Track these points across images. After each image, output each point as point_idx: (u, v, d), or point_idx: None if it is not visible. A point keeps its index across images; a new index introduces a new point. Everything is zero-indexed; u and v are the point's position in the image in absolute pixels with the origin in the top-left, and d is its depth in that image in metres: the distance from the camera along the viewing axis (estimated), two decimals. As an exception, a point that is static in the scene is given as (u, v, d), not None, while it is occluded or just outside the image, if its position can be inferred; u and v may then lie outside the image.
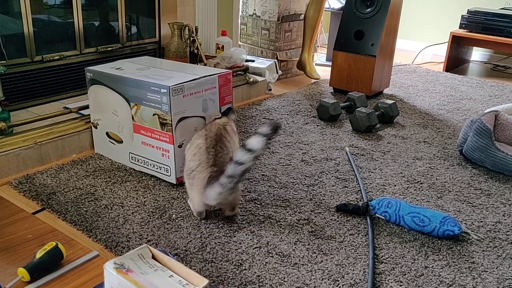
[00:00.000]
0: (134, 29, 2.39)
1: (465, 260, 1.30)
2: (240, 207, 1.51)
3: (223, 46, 2.73)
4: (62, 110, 1.88)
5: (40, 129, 1.74)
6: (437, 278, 1.22)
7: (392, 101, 2.34)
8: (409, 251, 1.33)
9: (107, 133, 1.77)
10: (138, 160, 1.69)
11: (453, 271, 1.26)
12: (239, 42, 3.24)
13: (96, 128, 1.80)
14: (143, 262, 0.94)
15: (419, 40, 4.23)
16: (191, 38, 2.41)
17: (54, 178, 1.62)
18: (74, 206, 1.47)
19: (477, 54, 4.03)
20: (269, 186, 1.66)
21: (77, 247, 1.24)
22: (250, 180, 1.68)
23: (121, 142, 1.72)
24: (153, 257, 0.97)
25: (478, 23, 3.43)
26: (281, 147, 1.99)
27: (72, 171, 1.68)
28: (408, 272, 1.24)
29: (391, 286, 1.19)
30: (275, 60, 2.89)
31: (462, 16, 3.51)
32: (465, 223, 1.48)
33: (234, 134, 1.51)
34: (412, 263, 1.28)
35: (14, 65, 1.90)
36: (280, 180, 1.70)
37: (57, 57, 2.03)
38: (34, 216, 1.39)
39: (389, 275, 1.23)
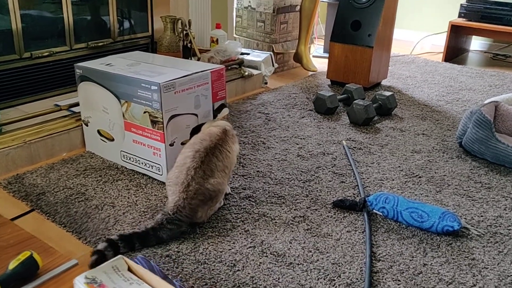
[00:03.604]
0: (126, 24, 2.35)
1: (465, 257, 1.27)
2: (234, 205, 1.47)
3: (217, 39, 2.69)
4: (52, 108, 1.84)
5: (30, 127, 1.70)
6: (436, 276, 1.19)
7: (390, 93, 2.29)
8: (407, 248, 1.30)
9: (98, 131, 1.73)
10: (129, 159, 1.65)
11: (453, 268, 1.22)
12: (234, 35, 3.19)
13: (87, 125, 1.76)
14: (118, 275, 0.89)
15: (418, 30, 4.17)
16: (184, 32, 2.36)
17: (44, 178, 1.59)
18: (63, 206, 1.43)
19: (477, 43, 3.97)
20: (264, 182, 1.62)
21: (55, 255, 1.17)
22: (244, 177, 1.65)
23: (113, 140, 1.69)
24: (129, 269, 0.93)
25: (478, 12, 3.37)
26: (277, 142, 1.95)
27: (63, 170, 1.65)
28: (406, 270, 1.21)
29: (388, 285, 1.16)
30: (271, 52, 2.84)
31: (461, 5, 3.45)
32: (464, 218, 1.45)
33: (232, 142, 1.45)
34: (410, 260, 1.25)
35: (2, 62, 1.86)
36: (275, 176, 1.67)
37: (46, 54, 1.99)
38: (12, 222, 1.33)
39: (386, 274, 1.20)
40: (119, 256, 0.93)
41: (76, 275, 0.98)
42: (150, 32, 2.45)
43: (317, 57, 3.47)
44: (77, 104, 1.83)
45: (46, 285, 1.07)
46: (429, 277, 1.19)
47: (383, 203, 1.42)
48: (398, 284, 1.16)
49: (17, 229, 1.29)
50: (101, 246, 1.18)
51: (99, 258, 1.16)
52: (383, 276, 1.19)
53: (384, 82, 2.84)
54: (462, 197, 1.57)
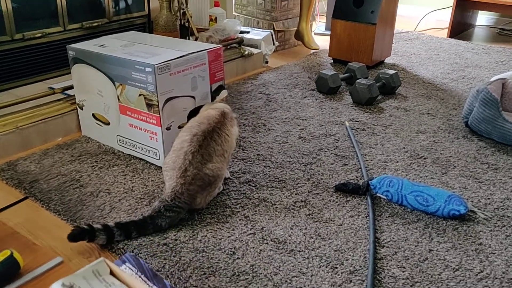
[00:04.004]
0: (121, 3, 2.27)
1: (472, 242, 1.23)
2: (234, 190, 1.43)
3: (216, 17, 2.61)
4: (45, 91, 1.79)
5: (22, 112, 1.66)
6: (442, 263, 1.15)
7: (394, 71, 2.23)
8: (412, 233, 1.26)
9: (93, 115, 1.68)
10: (126, 143, 1.60)
11: (459, 254, 1.18)
12: (234, 13, 3.11)
13: (81, 109, 1.71)
14: (98, 281, 0.84)
15: (422, 5, 4.07)
16: (181, 10, 2.29)
17: (37, 164, 1.54)
18: (58, 194, 1.39)
19: (483, 18, 3.87)
20: (264, 166, 1.57)
21: (39, 252, 1.12)
22: (244, 160, 1.60)
23: (108, 124, 1.64)
24: (111, 273, 0.87)
25: (484, -15, 3.27)
26: (278, 124, 1.89)
27: (57, 156, 1.60)
28: (411, 257, 1.17)
29: (393, 273, 1.12)
30: (272, 30, 2.76)
31: (467, -22, 3.35)
32: (471, 201, 1.40)
33: (231, 125, 1.40)
34: (415, 246, 1.21)
35: (-8, 45, 1.80)
36: (276, 159, 1.62)
37: (39, 35, 1.92)
38: None
39: (391, 260, 1.16)
40: (101, 258, 0.88)
41: (61, 274, 0.91)
42: (146, 11, 2.38)
43: (319, 34, 3.39)
44: (71, 87, 1.78)
45: (27, 286, 1.01)
46: (435, 264, 1.15)
47: (387, 186, 1.38)
48: (403, 271, 1.12)
49: None
50: (93, 225, 1.15)
51: (84, 233, 1.13)
52: (387, 263, 1.15)
53: (387, 60, 2.76)
54: (469, 179, 1.52)
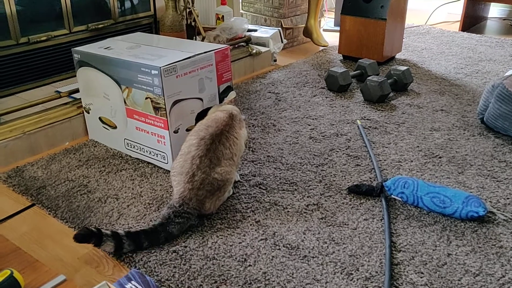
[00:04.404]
0: (127, 3, 2.24)
1: (492, 245, 1.18)
2: (244, 193, 1.40)
3: (223, 16, 2.57)
4: (51, 95, 1.77)
5: (29, 117, 1.63)
6: (461, 267, 1.11)
7: (406, 67, 2.18)
8: (429, 237, 1.21)
9: (100, 118, 1.65)
10: (134, 147, 1.58)
11: (479, 258, 1.14)
12: (241, 11, 3.07)
13: (88, 113, 1.69)
14: None
15: (432, -2, 3.99)
16: (187, 10, 2.26)
17: (45, 170, 1.52)
18: (65, 200, 1.37)
19: (495, 10, 3.79)
20: (275, 168, 1.54)
21: (41, 270, 1.08)
22: (254, 162, 1.57)
23: (115, 127, 1.61)
24: None
25: (496, -23, 3.19)
26: (288, 124, 1.86)
27: (64, 161, 1.58)
28: (429, 261, 1.13)
29: (411, 278, 1.08)
30: (280, 28, 2.72)
31: (478, -31, 3.28)
32: (489, 201, 1.36)
33: (240, 128, 1.37)
34: (433, 250, 1.17)
35: (-2, 49, 1.78)
36: (286, 161, 1.58)
37: (44, 38, 1.90)
38: None
39: (408, 266, 1.12)
40: (103, 282, 0.85)
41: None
42: (152, 11, 2.35)
43: (328, 31, 3.34)
44: (78, 91, 1.76)
45: (28, 308, 0.96)
46: (455, 269, 1.10)
47: (401, 188, 1.34)
48: (421, 277, 1.08)
49: (1, 240, 1.20)
50: (103, 230, 1.12)
51: (90, 235, 1.09)
52: (404, 268, 1.11)
53: (398, 56, 2.71)
54: (486, 178, 1.47)
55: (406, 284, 1.06)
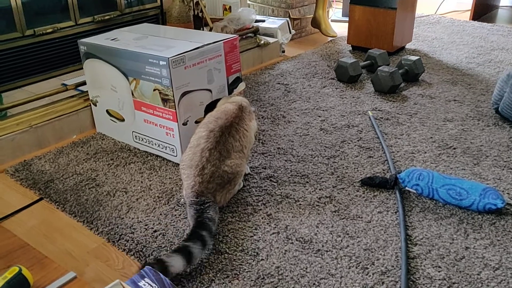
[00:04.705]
0: (133, -6, 2.21)
1: (511, 238, 1.15)
2: (255, 186, 1.37)
3: (230, 7, 2.54)
4: (58, 88, 1.74)
5: (35, 110, 1.61)
6: (480, 261, 1.08)
7: (417, 57, 2.13)
8: (446, 230, 1.18)
9: (107, 111, 1.63)
10: (142, 140, 1.55)
11: (498, 251, 1.11)
12: (248, 1, 3.02)
13: (95, 105, 1.67)
14: None
15: (442, -13, 3.92)
16: (194, 0, 2.22)
17: (52, 164, 1.50)
18: (73, 194, 1.35)
19: (506, -1, 3.72)
20: (285, 160, 1.51)
21: (50, 267, 1.05)
22: (264, 155, 1.54)
23: (123, 120, 1.59)
24: None
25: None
26: (298, 115, 1.82)
27: (72, 154, 1.56)
28: (446, 255, 1.10)
29: (428, 273, 1.05)
30: (287, 18, 2.68)
31: (489, -43, 3.21)
32: (507, 193, 1.32)
33: (250, 119, 1.34)
34: (450, 243, 1.13)
35: (3, 41, 1.75)
36: (297, 153, 1.55)
37: (50, 30, 1.87)
38: (3, 227, 1.21)
39: (425, 259, 1.09)
40: (116, 281, 0.82)
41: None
42: (159, 3, 2.31)
43: (336, 21, 3.29)
44: (85, 83, 1.73)
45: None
46: (473, 262, 1.07)
47: (416, 180, 1.30)
48: (439, 271, 1.05)
49: (8, 235, 1.18)
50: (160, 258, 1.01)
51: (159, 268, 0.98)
52: (421, 262, 1.08)
53: (408, 46, 2.66)
54: (503, 169, 1.43)
55: (423, 278, 1.03)
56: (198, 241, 1.06)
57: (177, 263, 1.00)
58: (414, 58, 2.12)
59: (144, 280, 0.92)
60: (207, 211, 1.14)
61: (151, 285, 0.91)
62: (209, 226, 1.11)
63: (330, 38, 2.87)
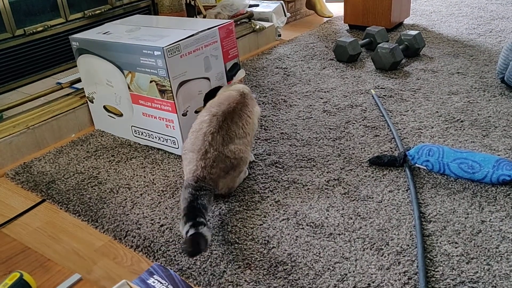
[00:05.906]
0: (122, -13, 2.16)
1: (528, 208, 1.12)
2: (260, 174, 1.34)
3: (222, -7, 2.48)
4: (53, 87, 1.71)
5: (31, 111, 1.58)
6: (497, 234, 1.05)
7: (416, 32, 2.09)
8: (460, 204, 1.15)
9: (104, 107, 1.59)
10: (141, 134, 1.52)
11: (516, 223, 1.08)
12: (240, -13, 2.97)
13: (92, 102, 1.63)
14: None
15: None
16: (186, -11, 2.17)
17: (53, 164, 1.47)
18: (76, 193, 1.32)
19: (502, -33, 3.65)
20: (290, 145, 1.47)
21: (53, 270, 1.02)
22: (268, 141, 1.50)
23: (121, 115, 1.55)
24: None
25: None
26: (299, 98, 1.78)
27: (72, 153, 1.53)
28: (462, 230, 1.07)
29: (445, 249, 1.02)
30: (282, 1, 2.63)
31: None
32: (520, 163, 1.28)
33: (252, 105, 1.31)
34: (465, 218, 1.10)
35: (-6, 43, 1.71)
36: (301, 136, 1.52)
37: (41, 29, 1.83)
38: (2, 232, 1.18)
39: (440, 236, 1.06)
40: (123, 281, 0.79)
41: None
42: (149, -7, 2.26)
43: (331, 1, 3.23)
44: (79, 80, 1.69)
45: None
46: (491, 236, 1.04)
47: (426, 156, 1.27)
48: (456, 247, 1.02)
49: (8, 240, 1.15)
50: (187, 227, 1.00)
51: (196, 240, 0.97)
52: (437, 239, 1.05)
53: (406, 21, 2.61)
54: (513, 139, 1.40)
55: (440, 255, 1.00)
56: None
57: (208, 233, 1.00)
58: (414, 32, 2.08)
59: (154, 278, 0.89)
60: (202, 198, 1.09)
61: (161, 282, 0.88)
62: (202, 213, 1.06)
63: (326, 19, 2.82)
